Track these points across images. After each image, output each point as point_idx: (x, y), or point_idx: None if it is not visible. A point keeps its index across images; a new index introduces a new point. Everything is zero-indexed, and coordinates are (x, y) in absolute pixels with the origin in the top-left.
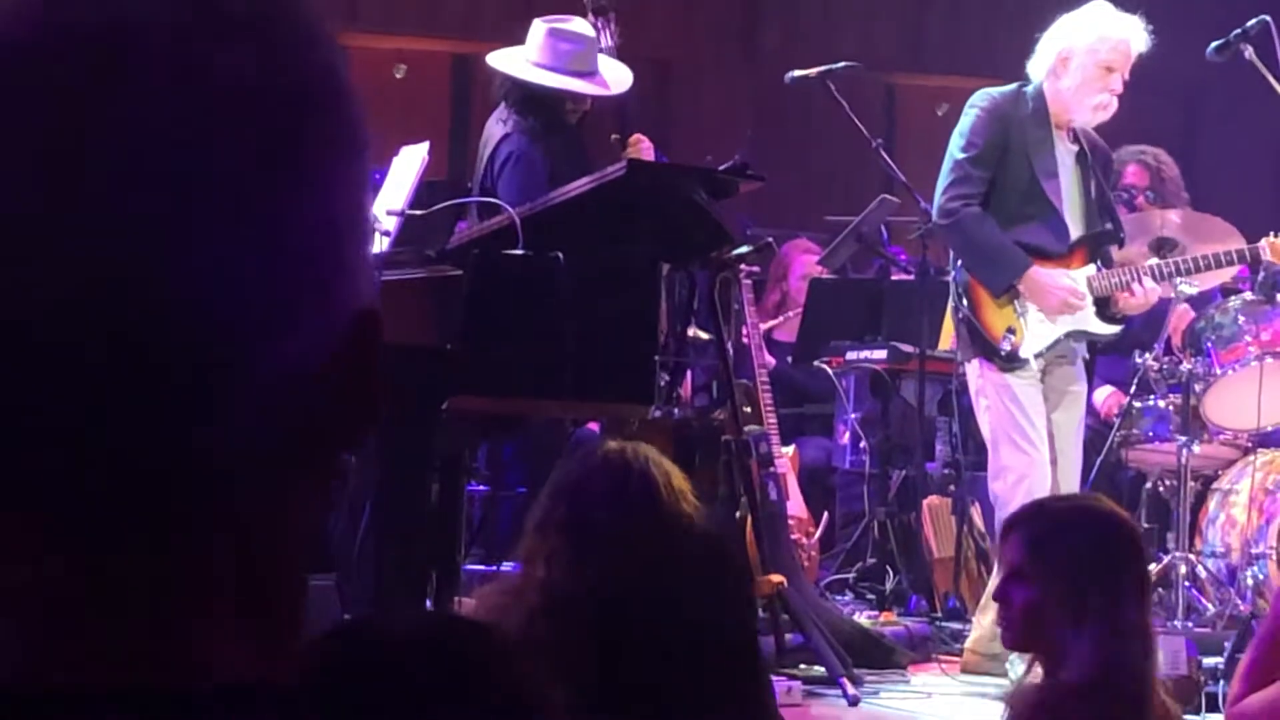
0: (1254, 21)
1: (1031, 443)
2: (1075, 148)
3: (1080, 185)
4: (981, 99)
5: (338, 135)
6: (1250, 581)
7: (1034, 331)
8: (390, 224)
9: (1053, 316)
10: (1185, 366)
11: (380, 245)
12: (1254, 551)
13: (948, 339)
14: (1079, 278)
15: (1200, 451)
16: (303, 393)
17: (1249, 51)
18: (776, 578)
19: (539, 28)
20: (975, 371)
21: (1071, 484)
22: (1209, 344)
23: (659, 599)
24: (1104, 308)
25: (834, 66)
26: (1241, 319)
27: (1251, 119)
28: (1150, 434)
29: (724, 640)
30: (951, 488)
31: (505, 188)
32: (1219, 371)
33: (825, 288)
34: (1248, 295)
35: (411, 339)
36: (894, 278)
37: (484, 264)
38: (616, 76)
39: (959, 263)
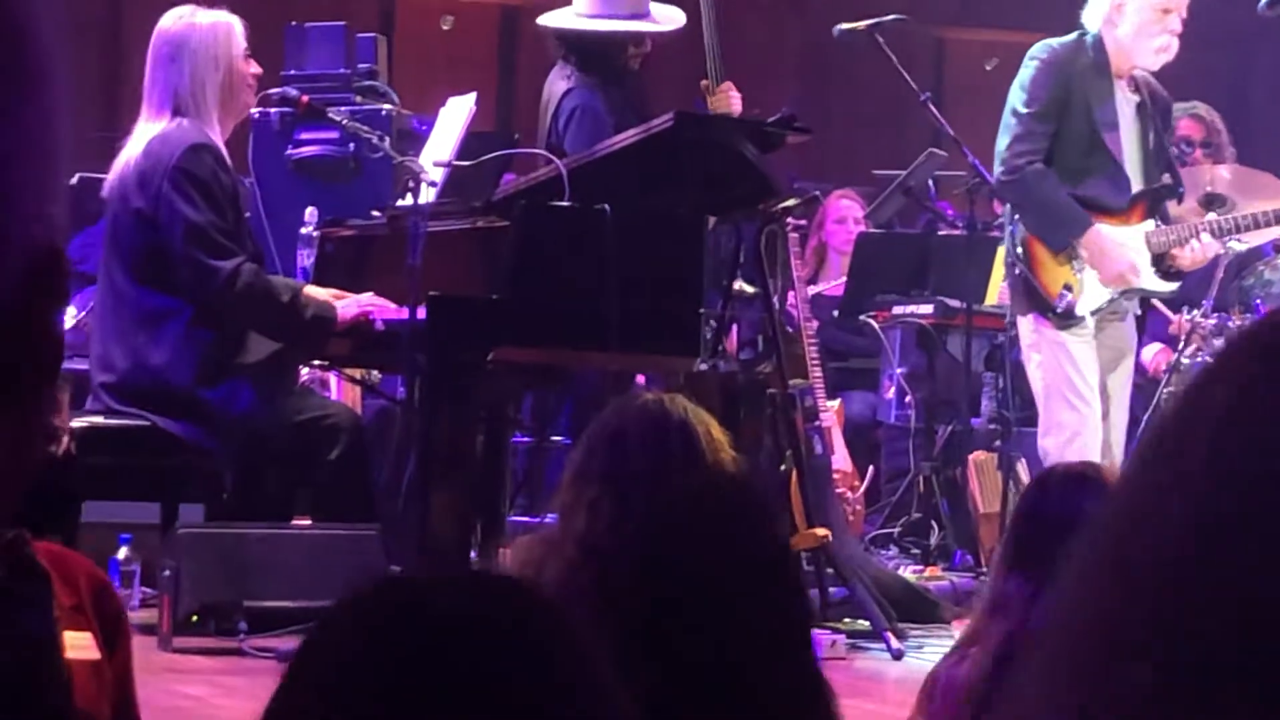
0: None
1: (1085, 400)
2: (1136, 98)
3: (1140, 137)
4: (1041, 50)
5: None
6: None
7: (1091, 289)
8: (437, 175)
9: (1106, 280)
10: (1235, 323)
11: (427, 196)
12: None
13: (995, 294)
14: (1138, 233)
15: None
16: None
17: None
18: (821, 531)
19: None
20: (1029, 327)
21: (1119, 441)
22: (1258, 300)
23: (697, 550)
24: (1161, 263)
25: (882, 20)
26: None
27: None
28: None
29: (762, 590)
30: (997, 443)
31: (572, 142)
32: None
33: (872, 242)
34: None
35: (457, 289)
36: (941, 232)
37: (530, 215)
38: (669, 14)
39: (1016, 217)
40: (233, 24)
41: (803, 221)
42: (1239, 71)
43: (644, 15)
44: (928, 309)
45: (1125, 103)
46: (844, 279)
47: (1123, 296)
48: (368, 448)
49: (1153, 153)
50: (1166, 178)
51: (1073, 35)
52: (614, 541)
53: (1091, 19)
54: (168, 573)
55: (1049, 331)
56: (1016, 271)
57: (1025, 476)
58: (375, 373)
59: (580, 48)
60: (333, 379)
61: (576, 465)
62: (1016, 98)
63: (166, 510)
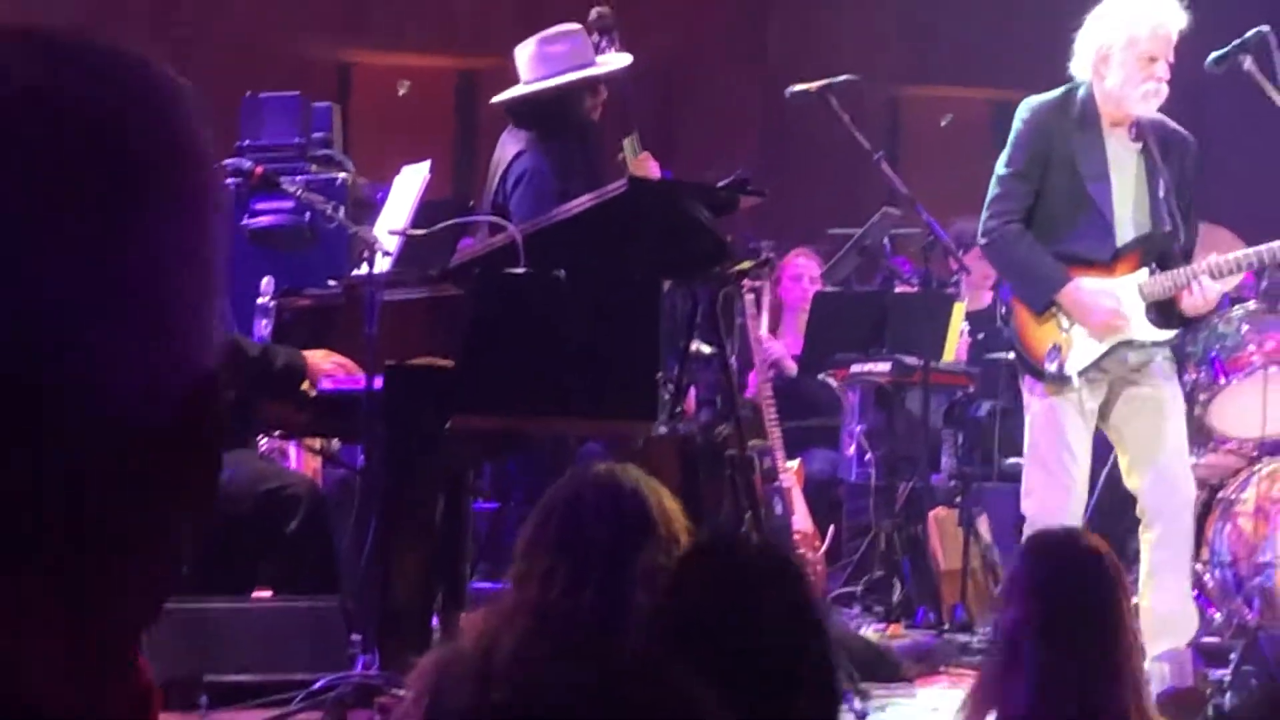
0: (1252, 33)
1: (1063, 465)
2: (1138, 144)
3: (1144, 184)
4: (1024, 110)
5: (168, 194)
6: (1258, 591)
7: (1080, 347)
8: (392, 244)
9: (1095, 333)
10: (1190, 377)
11: (382, 265)
12: (1260, 560)
13: (952, 350)
14: (1129, 284)
15: (1206, 461)
16: (128, 447)
17: (1248, 62)
18: None
19: (527, 46)
20: (1025, 387)
21: (1173, 490)
22: (1213, 353)
23: (719, 621)
24: (1165, 310)
25: (834, 80)
26: (1245, 328)
27: (1257, 128)
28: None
29: (795, 674)
30: (957, 499)
31: (518, 205)
32: (1223, 381)
33: (829, 300)
34: (1251, 304)
35: (415, 357)
36: (898, 290)
37: (486, 282)
38: (613, 58)
39: (1004, 284)
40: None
41: (758, 283)
42: (1193, 125)
43: (590, 64)
44: (885, 367)
45: (1124, 151)
46: (799, 337)
47: (1120, 349)
48: (328, 518)
49: (1161, 200)
50: (1166, 226)
51: (1059, 90)
52: (572, 609)
53: (1079, 69)
54: None
55: (1039, 394)
56: (1005, 335)
57: (985, 532)
58: (335, 442)
59: (538, 112)
60: (292, 449)
61: (530, 536)
62: (1000, 159)
63: None
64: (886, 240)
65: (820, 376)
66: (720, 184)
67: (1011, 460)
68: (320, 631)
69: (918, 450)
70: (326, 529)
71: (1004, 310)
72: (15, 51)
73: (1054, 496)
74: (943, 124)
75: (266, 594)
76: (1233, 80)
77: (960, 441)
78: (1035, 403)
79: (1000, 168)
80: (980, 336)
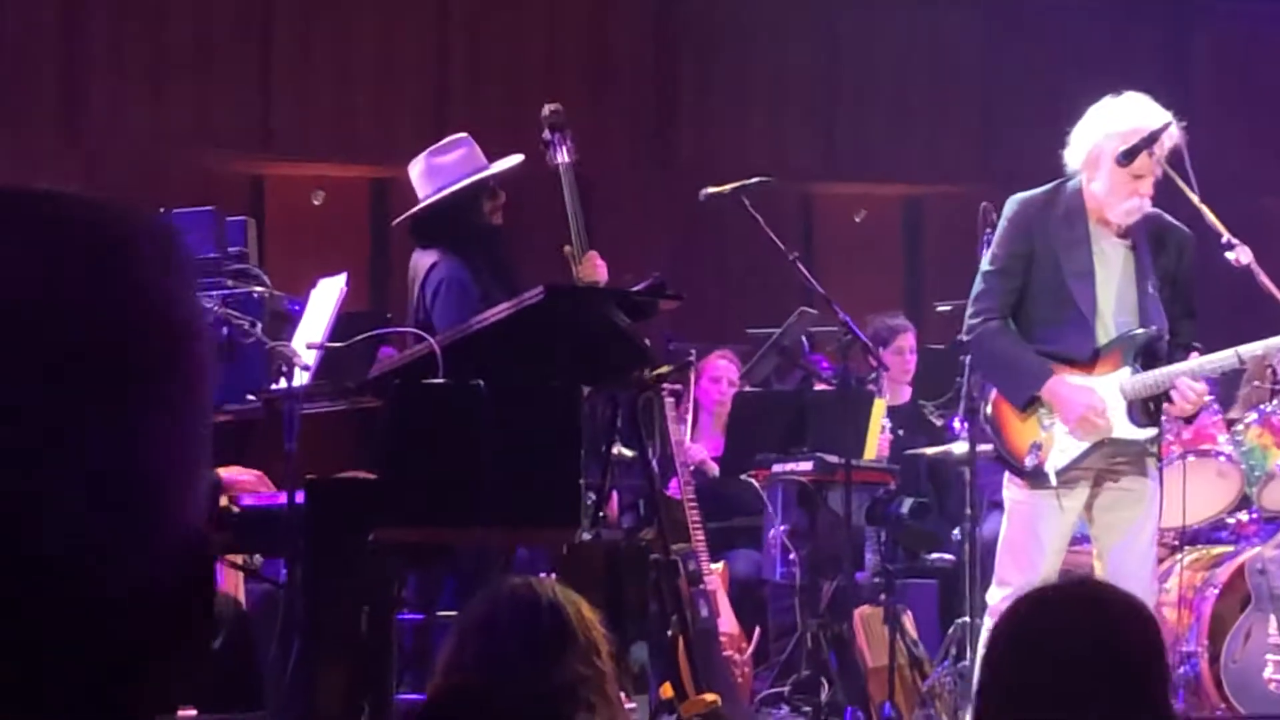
0: (1159, 124)
1: (1033, 565)
2: (1126, 242)
3: (1130, 280)
4: (1010, 207)
5: (162, 367)
6: (1182, 681)
7: (1060, 444)
8: (310, 357)
9: (1076, 432)
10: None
11: (300, 379)
12: (1184, 650)
13: (873, 448)
14: (1110, 383)
15: None
16: (126, 618)
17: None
18: (711, 696)
19: (417, 163)
20: (1006, 480)
21: (1136, 584)
22: None
23: None
24: (1147, 409)
25: (748, 182)
26: (1163, 418)
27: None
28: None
29: None
30: (883, 596)
31: (440, 314)
32: None
33: (749, 401)
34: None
35: (336, 470)
36: (817, 388)
37: (405, 394)
38: (505, 160)
39: (984, 381)
40: None
41: (677, 386)
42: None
43: (482, 168)
44: (807, 466)
45: (1110, 249)
46: (716, 438)
47: (1103, 447)
48: (251, 635)
49: (1149, 298)
50: (1153, 325)
51: (1049, 185)
52: None
53: (1073, 161)
54: None
55: (1016, 488)
56: (986, 432)
57: (912, 629)
58: (257, 557)
59: (439, 225)
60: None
61: (449, 656)
62: (985, 256)
63: None
64: (804, 339)
65: (742, 477)
66: (637, 288)
67: (934, 555)
68: None
69: (841, 548)
70: (250, 646)
71: (986, 407)
72: (13, 237)
73: (1020, 593)
74: (856, 220)
75: (191, 713)
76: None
77: (883, 538)
78: (1013, 495)
79: (984, 264)
80: (900, 432)
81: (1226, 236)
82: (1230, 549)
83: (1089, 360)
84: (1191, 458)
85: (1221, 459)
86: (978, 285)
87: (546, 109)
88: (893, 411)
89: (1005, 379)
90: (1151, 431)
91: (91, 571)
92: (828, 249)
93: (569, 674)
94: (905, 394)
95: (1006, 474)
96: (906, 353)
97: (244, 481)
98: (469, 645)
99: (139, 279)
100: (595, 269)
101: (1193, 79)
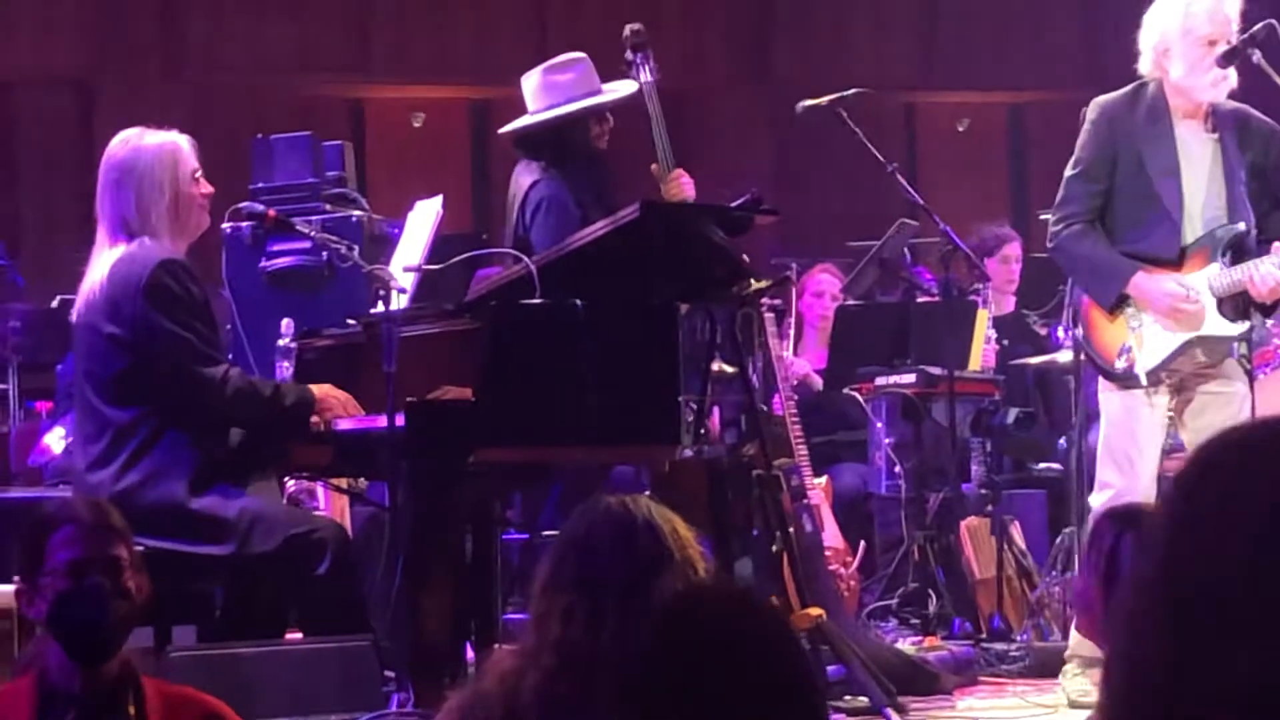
0: (1260, 26)
1: (1132, 463)
2: (1214, 135)
3: (1218, 176)
4: (1091, 110)
5: None
6: None
7: (1150, 346)
8: (407, 281)
9: (1168, 324)
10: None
11: (399, 302)
12: None
13: (977, 359)
14: (1198, 279)
15: None
16: None
17: (1257, 56)
18: (815, 610)
19: (533, 76)
20: (1100, 385)
21: None
22: None
23: (686, 656)
24: (1237, 305)
25: (844, 94)
26: (1270, 322)
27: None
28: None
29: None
30: (989, 508)
31: (539, 234)
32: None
33: (852, 314)
34: None
35: (436, 394)
36: (920, 300)
37: (503, 315)
38: (618, 85)
39: (1073, 286)
40: (180, 144)
41: (777, 301)
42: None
43: (595, 92)
44: (910, 378)
45: (1197, 144)
46: (820, 352)
47: (1192, 347)
48: (356, 559)
49: (1239, 192)
50: (1240, 220)
51: (1129, 87)
52: (592, 647)
53: (1145, 67)
54: None
55: (1110, 390)
56: (1075, 335)
57: (1019, 539)
58: (362, 480)
59: (543, 142)
60: (320, 490)
61: (546, 576)
62: (1070, 161)
63: (159, 633)
64: (906, 251)
65: (846, 391)
66: (733, 204)
67: (1040, 465)
68: (353, 671)
69: (946, 461)
70: (355, 571)
71: (1073, 311)
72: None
73: (1122, 494)
74: (960, 129)
75: (297, 635)
76: (1242, 74)
77: (989, 449)
78: (1107, 400)
79: (1067, 170)
80: (1005, 342)
81: None
82: None
83: (1176, 259)
84: None
85: None
86: (1062, 191)
87: (628, 29)
88: (997, 321)
89: (1091, 280)
90: (1242, 326)
91: None
92: (931, 159)
93: (666, 591)
94: (1010, 304)
95: (1100, 379)
96: (1012, 262)
97: (333, 400)
98: (566, 565)
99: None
100: (682, 186)
101: None
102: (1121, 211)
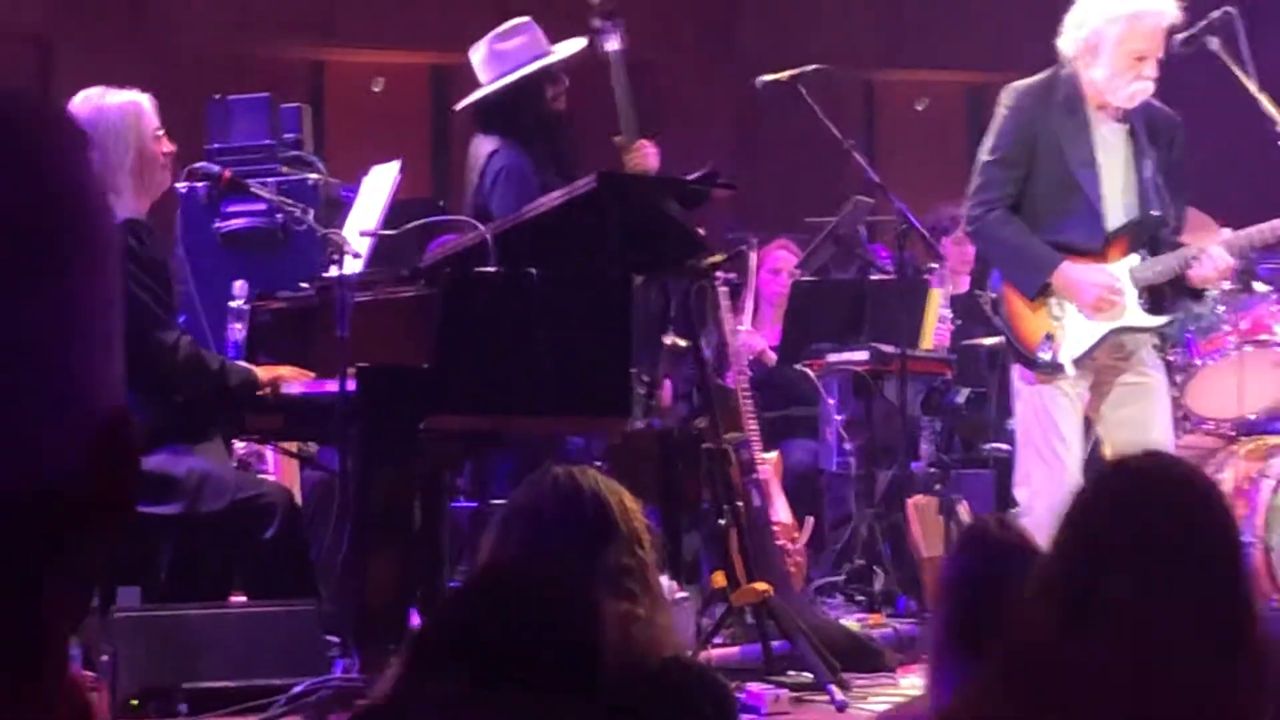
0: (1218, 13)
1: (1057, 455)
2: (1125, 126)
3: (1131, 167)
4: (1008, 96)
5: (57, 249)
6: None
7: (1073, 335)
8: (362, 245)
9: (1091, 314)
10: (1166, 358)
11: (353, 267)
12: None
13: (930, 338)
14: (1120, 269)
15: (1183, 442)
16: (46, 495)
17: (1215, 43)
18: (762, 585)
19: (480, 48)
20: (1015, 375)
21: None
22: (1188, 334)
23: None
24: (1157, 296)
25: (804, 69)
26: (1221, 308)
27: (1224, 109)
28: None
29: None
30: (938, 486)
31: (499, 202)
32: (1199, 362)
33: (806, 290)
34: (1226, 284)
35: (388, 358)
36: (874, 278)
37: (457, 282)
38: (568, 44)
39: (994, 272)
40: (141, 104)
41: (732, 275)
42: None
43: (545, 54)
44: (863, 356)
45: (1111, 133)
46: (779, 328)
47: (1114, 337)
48: (303, 524)
49: (1148, 182)
50: (1155, 210)
51: (1044, 74)
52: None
53: (1066, 48)
54: (106, 658)
55: (1029, 380)
56: (996, 324)
57: (967, 518)
58: (312, 445)
59: (497, 112)
60: (269, 453)
61: (493, 543)
62: (982, 146)
63: (104, 594)
64: (862, 228)
65: (798, 366)
66: (690, 177)
67: (990, 446)
68: (298, 636)
69: (897, 438)
70: (303, 537)
71: (993, 298)
72: None
73: (1048, 485)
74: (918, 108)
75: (241, 599)
76: (1200, 61)
77: (939, 428)
78: (1026, 390)
79: (983, 154)
80: (959, 322)
81: None
82: None
83: (1100, 249)
84: (1249, 348)
85: (1278, 349)
86: (977, 176)
87: None
88: (952, 301)
89: (1014, 268)
90: (1164, 319)
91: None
92: (889, 137)
93: (611, 563)
94: (964, 284)
95: (1015, 368)
96: (966, 242)
97: (281, 376)
98: (512, 534)
99: (45, 163)
100: (645, 157)
101: None
102: (1041, 200)
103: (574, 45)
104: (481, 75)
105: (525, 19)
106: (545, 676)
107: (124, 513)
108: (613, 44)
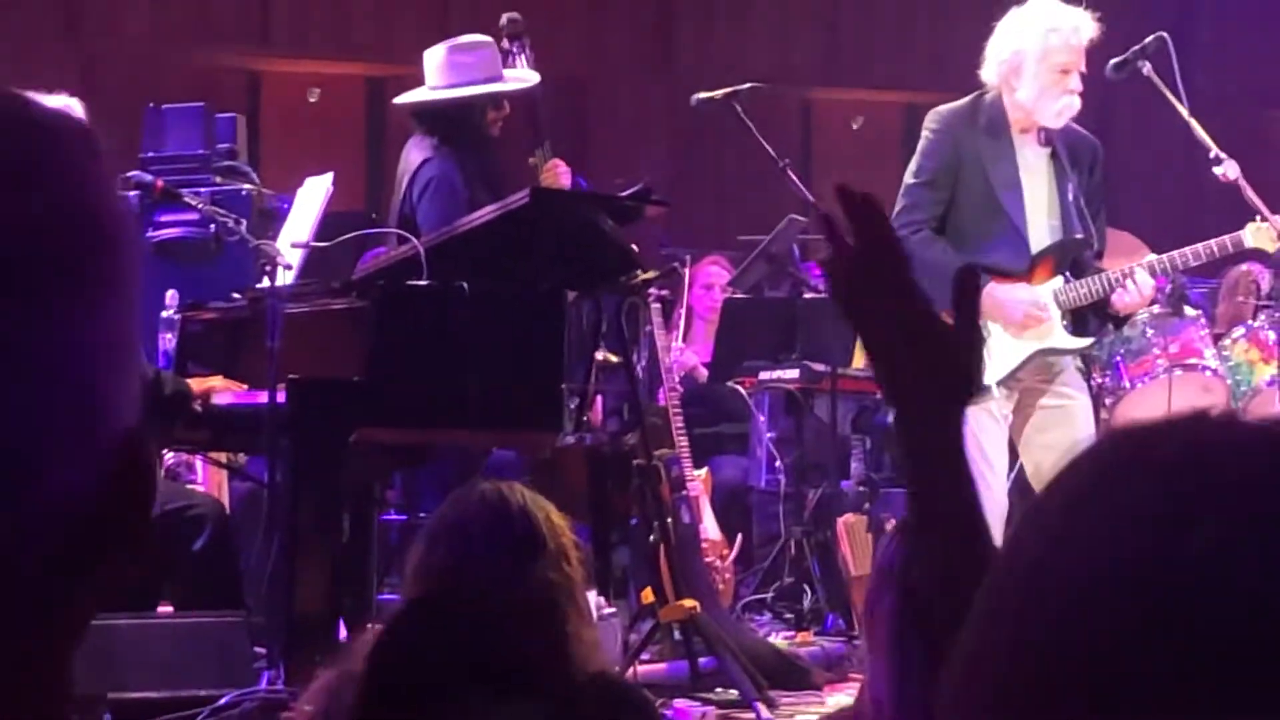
0: (1151, 38)
1: (981, 477)
2: (1047, 149)
3: (1054, 190)
4: (932, 120)
5: (87, 267)
6: None
7: (998, 355)
8: (294, 257)
9: (1018, 334)
10: (1095, 380)
11: (285, 278)
12: None
13: (860, 357)
14: (1044, 292)
15: None
16: (67, 517)
17: (1147, 68)
18: (689, 602)
19: (437, 51)
20: None
21: None
22: (1118, 357)
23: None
24: (1080, 319)
25: (740, 88)
26: (1150, 332)
27: (1157, 132)
28: None
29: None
30: (867, 505)
31: (425, 213)
32: (1128, 385)
33: (738, 307)
34: (1155, 308)
35: (319, 370)
36: (806, 297)
37: (389, 295)
38: (521, 74)
39: None
40: (73, 107)
41: (664, 291)
42: (1097, 128)
43: (497, 78)
44: (794, 374)
45: (1034, 157)
46: (710, 345)
47: (1038, 358)
48: (232, 536)
49: (1070, 205)
50: (1078, 233)
51: (967, 98)
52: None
53: (989, 75)
54: None
55: None
56: None
57: None
58: (241, 455)
59: (438, 118)
60: (199, 463)
61: (420, 559)
62: (909, 169)
63: None
64: (795, 247)
65: (729, 384)
66: (624, 193)
67: None
68: (225, 647)
69: (827, 457)
70: (232, 549)
71: None
72: None
73: None
74: (855, 127)
75: (168, 609)
76: (1133, 85)
77: (869, 447)
78: None
79: (908, 177)
80: None
81: (1215, 151)
82: None
83: (1025, 271)
84: (1178, 371)
85: (1208, 373)
86: (903, 199)
87: (504, 18)
88: None
89: (941, 288)
90: (1087, 341)
91: (14, 474)
92: (825, 156)
93: (538, 579)
94: None
95: None
96: None
97: (211, 388)
98: (438, 549)
99: (63, 176)
100: (558, 176)
101: None
102: (966, 222)
103: (528, 79)
104: (433, 78)
105: (487, 39)
106: (496, 690)
107: (142, 531)
108: (521, 64)
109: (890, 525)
